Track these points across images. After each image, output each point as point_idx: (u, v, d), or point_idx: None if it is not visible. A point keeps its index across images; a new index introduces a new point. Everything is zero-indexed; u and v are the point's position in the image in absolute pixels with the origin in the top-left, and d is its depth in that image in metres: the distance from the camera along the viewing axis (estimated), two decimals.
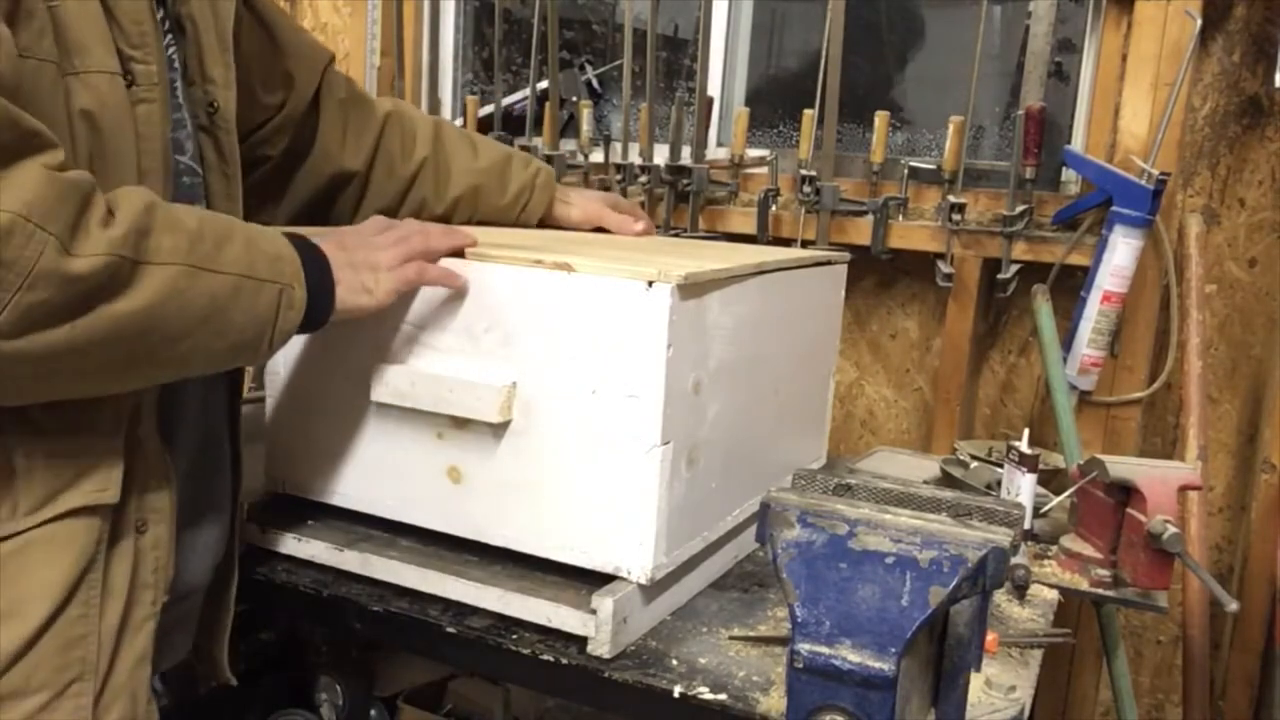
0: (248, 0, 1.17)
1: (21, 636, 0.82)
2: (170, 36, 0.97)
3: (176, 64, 0.97)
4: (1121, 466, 1.34)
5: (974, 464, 1.71)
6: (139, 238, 0.79)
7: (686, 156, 2.13)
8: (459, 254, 1.12)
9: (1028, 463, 1.44)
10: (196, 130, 1.00)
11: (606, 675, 1.06)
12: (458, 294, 1.13)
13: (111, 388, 0.86)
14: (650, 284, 1.03)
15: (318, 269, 0.97)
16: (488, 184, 1.42)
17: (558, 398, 1.09)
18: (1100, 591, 1.35)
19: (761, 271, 1.25)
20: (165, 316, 0.82)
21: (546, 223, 1.50)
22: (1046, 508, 1.50)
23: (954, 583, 0.81)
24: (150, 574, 0.92)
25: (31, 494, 0.84)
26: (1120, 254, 1.79)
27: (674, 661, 1.08)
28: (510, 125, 2.38)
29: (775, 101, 2.32)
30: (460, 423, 1.14)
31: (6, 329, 0.74)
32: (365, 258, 1.03)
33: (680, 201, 2.14)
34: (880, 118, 1.99)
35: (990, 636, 1.11)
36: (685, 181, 2.11)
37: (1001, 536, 0.83)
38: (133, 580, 0.90)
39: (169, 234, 0.82)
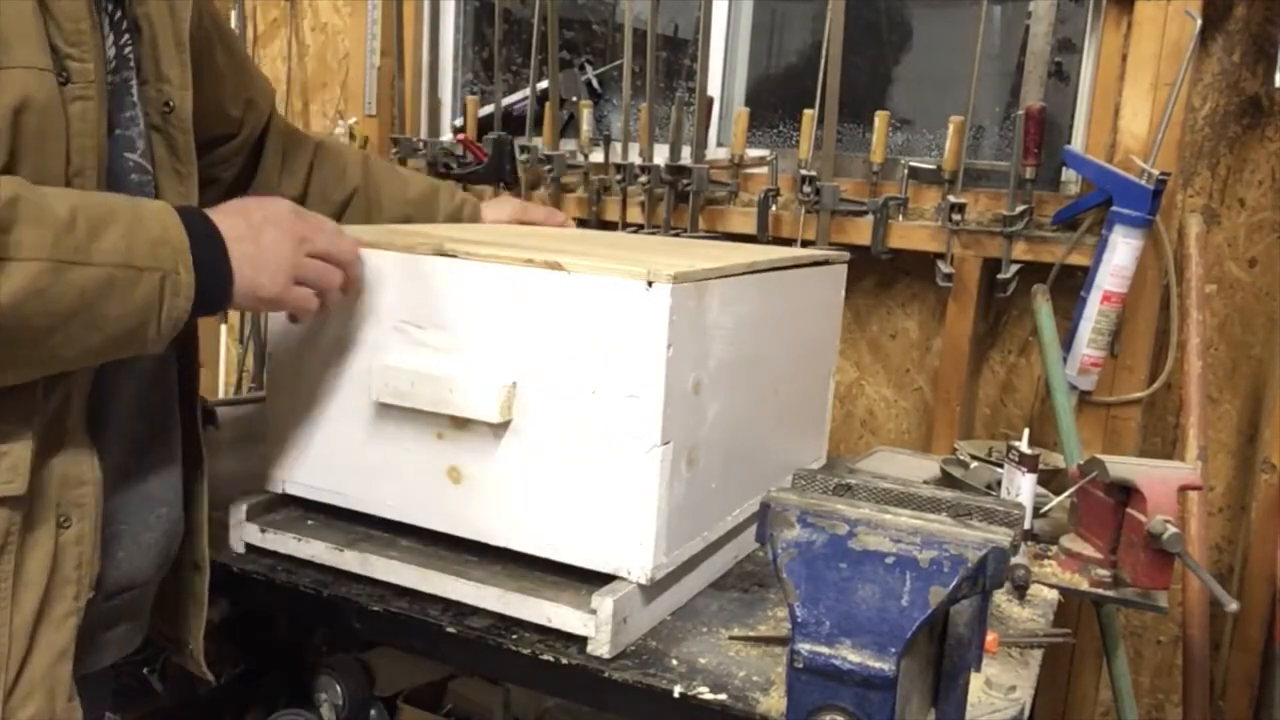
0: (215, 24, 1.20)
1: None
2: (127, 36, 0.97)
3: (132, 63, 0.97)
4: (1121, 466, 1.34)
5: (974, 464, 1.71)
6: (1, 233, 0.78)
7: (686, 156, 2.13)
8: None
9: (1028, 463, 1.44)
10: (149, 129, 0.99)
11: (606, 675, 1.06)
12: (457, 292, 1.13)
13: None
14: (650, 284, 1.03)
15: (211, 250, 0.92)
16: (417, 214, 1.48)
17: (558, 398, 1.09)
18: (1100, 591, 1.35)
19: (761, 271, 1.25)
20: (26, 314, 0.80)
21: None
22: (1046, 508, 1.50)
23: (954, 583, 0.80)
24: (72, 569, 0.90)
25: None
26: (1120, 254, 1.79)
27: (674, 661, 1.08)
28: (510, 125, 2.38)
29: (775, 101, 2.32)
30: (460, 423, 1.14)
31: None
32: (271, 263, 0.98)
33: (680, 201, 2.14)
34: (880, 118, 1.99)
35: (990, 636, 1.11)
36: (685, 181, 2.11)
37: (1001, 536, 0.83)
38: (51, 574, 0.88)
39: (33, 228, 0.79)
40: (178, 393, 1.08)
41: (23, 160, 0.84)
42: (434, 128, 2.46)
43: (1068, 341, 1.86)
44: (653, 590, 1.12)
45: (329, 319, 1.20)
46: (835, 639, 0.80)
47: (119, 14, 0.96)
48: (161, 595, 1.11)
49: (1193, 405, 1.81)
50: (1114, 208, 1.79)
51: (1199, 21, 1.74)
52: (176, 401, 1.08)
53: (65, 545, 0.90)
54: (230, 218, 0.96)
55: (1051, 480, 1.66)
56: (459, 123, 2.47)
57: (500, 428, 1.12)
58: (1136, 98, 1.81)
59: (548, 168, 2.26)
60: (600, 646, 1.06)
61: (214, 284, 0.93)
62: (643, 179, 2.15)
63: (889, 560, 0.82)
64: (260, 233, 0.97)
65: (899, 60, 2.28)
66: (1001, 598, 1.28)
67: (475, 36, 2.65)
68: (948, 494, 0.90)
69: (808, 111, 2.04)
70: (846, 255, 1.58)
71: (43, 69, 0.84)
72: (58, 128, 0.86)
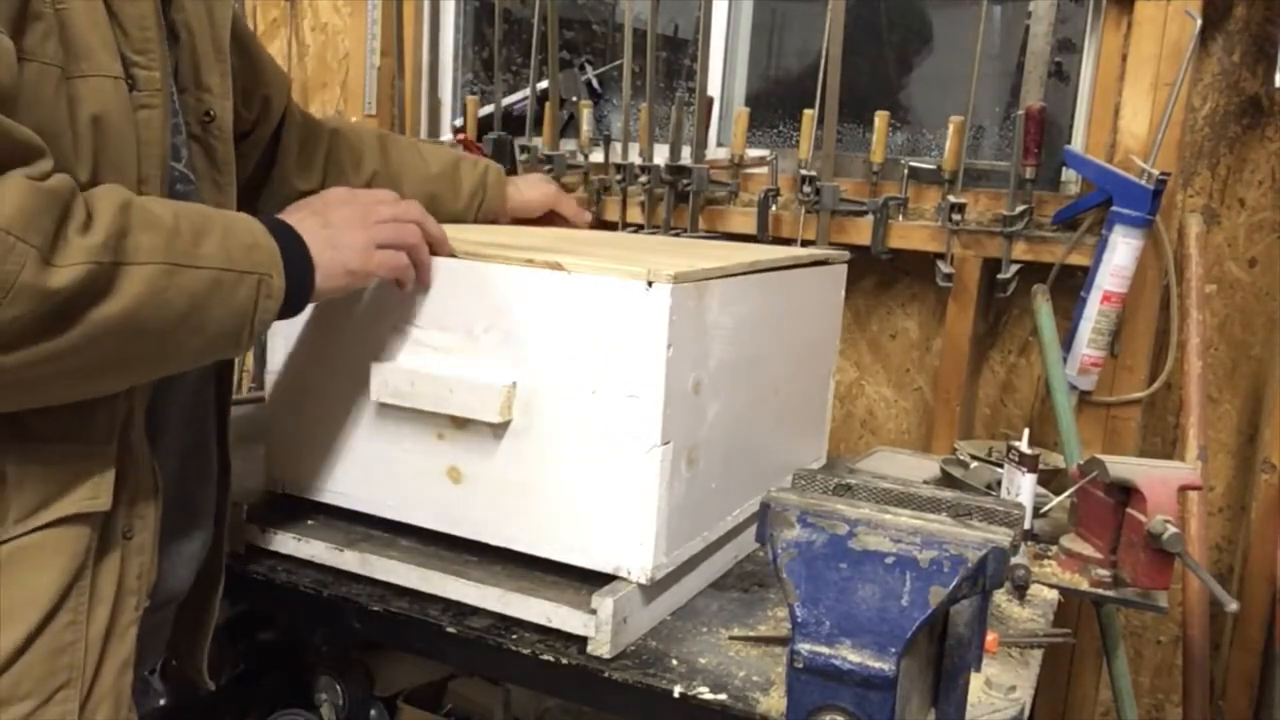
0: (238, 25, 1.18)
1: (12, 644, 0.82)
2: (165, 43, 0.96)
3: (172, 70, 0.96)
4: (1121, 466, 1.34)
5: (974, 464, 1.71)
6: (118, 239, 0.79)
7: (686, 156, 2.13)
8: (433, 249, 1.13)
9: (1028, 463, 1.44)
10: (189, 139, 0.99)
11: (606, 675, 1.06)
12: (456, 293, 1.13)
13: (95, 391, 0.85)
14: (650, 284, 1.03)
15: (297, 254, 0.95)
16: (441, 190, 1.44)
17: (558, 398, 1.09)
18: (1100, 591, 1.35)
19: (761, 271, 1.25)
20: (146, 317, 0.81)
21: (504, 217, 1.53)
22: (1046, 508, 1.50)
23: (954, 583, 0.80)
24: (135, 580, 0.92)
25: (23, 502, 0.83)
26: (1120, 254, 1.79)
27: (674, 661, 1.08)
28: (510, 125, 2.38)
29: (775, 101, 2.32)
30: (460, 423, 1.14)
31: (2, 343, 0.74)
32: (348, 239, 1.01)
33: (680, 201, 2.14)
34: (880, 118, 1.99)
35: (990, 636, 1.11)
36: (685, 181, 2.11)
37: (1001, 536, 0.83)
38: (119, 586, 0.90)
39: (147, 232, 0.81)
40: (214, 406, 1.09)
41: (104, 169, 0.84)
42: (434, 128, 2.46)
43: (1068, 341, 1.86)
44: (653, 590, 1.12)
45: (329, 319, 1.20)
46: (835, 639, 0.80)
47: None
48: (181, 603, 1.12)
49: (1193, 405, 1.81)
50: (1114, 208, 1.79)
51: (1199, 21, 1.74)
52: (214, 414, 1.09)
53: (129, 556, 0.91)
54: (297, 213, 1.00)
55: (1051, 480, 1.66)
56: (459, 123, 2.47)
57: (500, 428, 1.12)
58: (1136, 98, 1.81)
59: (548, 168, 2.26)
60: (600, 646, 1.06)
61: (299, 283, 0.95)
62: (643, 179, 2.15)
63: (889, 560, 0.82)
64: (329, 214, 1.01)
65: (903, 60, 2.28)
66: (1001, 598, 1.28)
67: (475, 36, 2.65)
68: (948, 494, 0.90)
69: (808, 111, 2.04)
70: (846, 255, 1.58)
71: (116, 77, 0.84)
72: (129, 136, 0.86)
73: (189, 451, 1.05)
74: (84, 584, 0.86)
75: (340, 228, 1.01)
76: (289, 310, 0.95)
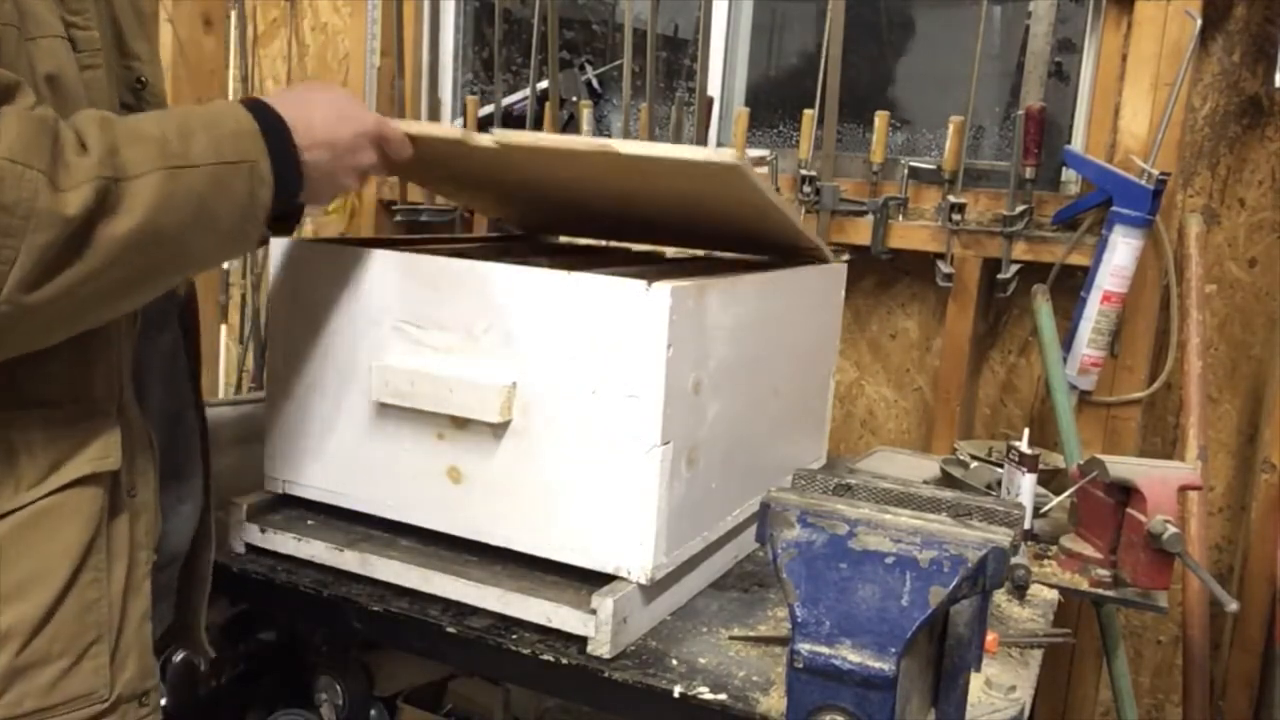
0: None
1: (42, 605, 0.84)
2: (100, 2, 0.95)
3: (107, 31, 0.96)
4: (1121, 466, 1.34)
5: (974, 464, 1.71)
6: (111, 156, 0.78)
7: None
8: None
9: (1028, 463, 1.44)
10: (123, 109, 0.95)
11: (606, 675, 1.06)
12: (457, 293, 1.13)
13: (127, 306, 0.87)
14: (650, 284, 1.03)
15: (280, 140, 0.94)
16: None
17: (558, 398, 1.09)
18: (1100, 591, 1.35)
19: (761, 271, 1.25)
20: (163, 224, 0.81)
21: None
22: (1046, 508, 1.50)
23: (954, 583, 0.80)
24: (144, 535, 0.93)
25: (34, 467, 0.84)
26: (1120, 254, 1.79)
27: (674, 661, 1.08)
28: (510, 125, 2.38)
29: (775, 101, 2.32)
30: (460, 423, 1.14)
31: (31, 279, 0.74)
32: (343, 180, 1.03)
33: None
34: (880, 118, 1.99)
35: (990, 636, 1.11)
36: None
37: (1001, 536, 0.83)
38: (131, 542, 0.91)
39: (136, 145, 0.81)
40: (187, 373, 1.10)
41: None
42: None
43: (1068, 341, 1.86)
44: (653, 590, 1.12)
45: (329, 319, 1.20)
46: (835, 639, 0.80)
47: None
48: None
49: (1193, 405, 1.81)
50: (1114, 208, 1.79)
51: (1199, 21, 1.74)
52: (187, 380, 1.09)
53: (136, 513, 0.92)
54: (300, 113, 0.98)
55: (1051, 480, 1.66)
56: (459, 123, 2.47)
57: (500, 428, 1.12)
58: (1136, 98, 1.81)
59: None
60: (600, 646, 1.06)
61: (286, 175, 0.94)
62: None
63: (889, 560, 0.82)
64: (335, 144, 1.01)
65: (899, 60, 2.28)
66: (1001, 598, 1.28)
67: (475, 36, 2.65)
68: (948, 494, 0.90)
69: (808, 111, 2.04)
70: (846, 255, 1.58)
71: (62, 37, 0.84)
72: (81, 97, 0.85)
73: (172, 416, 1.06)
74: (101, 541, 0.88)
75: (343, 153, 1.02)
76: (282, 200, 0.94)
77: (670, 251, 1.58)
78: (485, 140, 1.11)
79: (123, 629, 0.90)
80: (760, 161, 2.11)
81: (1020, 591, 1.29)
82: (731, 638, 1.14)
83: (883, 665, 0.78)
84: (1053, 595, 1.32)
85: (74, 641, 0.86)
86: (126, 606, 0.90)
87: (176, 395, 1.07)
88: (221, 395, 2.77)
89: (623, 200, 1.30)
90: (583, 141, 1.07)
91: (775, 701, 1.01)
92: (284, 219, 1.06)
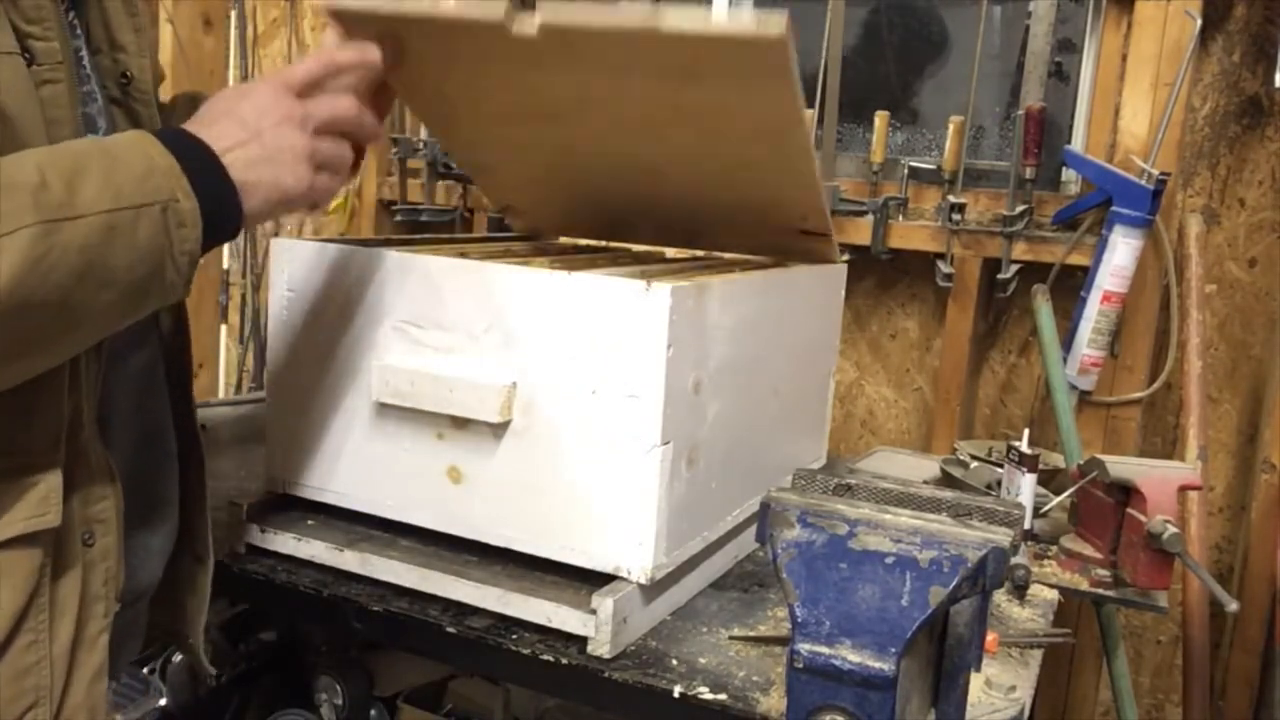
0: None
1: None
2: (69, 3, 0.87)
3: (79, 32, 0.88)
4: (1121, 466, 1.35)
5: (974, 464, 1.71)
6: None
7: None
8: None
9: (1028, 463, 1.44)
10: (108, 103, 0.91)
11: (606, 675, 1.06)
12: (457, 293, 1.13)
13: (17, 378, 0.77)
14: (650, 284, 1.03)
15: (206, 167, 0.82)
16: None
17: (558, 398, 1.09)
18: (1100, 591, 1.35)
19: (761, 270, 1.25)
20: (30, 289, 0.70)
21: None
22: (1046, 508, 1.50)
23: (954, 583, 0.81)
24: (101, 586, 0.86)
25: None
26: (1120, 254, 1.79)
27: (674, 661, 1.08)
28: None
29: None
30: (460, 423, 1.14)
31: None
32: (283, 153, 0.87)
33: None
34: (880, 118, 1.99)
35: (990, 636, 1.11)
36: None
37: (1001, 536, 0.83)
38: (83, 595, 0.85)
39: (3, 197, 0.70)
40: (166, 386, 1.03)
41: (10, 153, 0.74)
42: None
43: (1068, 341, 1.86)
44: (653, 590, 1.12)
45: (329, 319, 1.20)
46: (835, 639, 0.80)
47: None
48: (159, 590, 1.08)
49: (1193, 405, 1.81)
50: (1114, 208, 1.79)
51: (1199, 21, 1.74)
52: (169, 395, 1.03)
53: (92, 563, 0.86)
54: (216, 125, 0.85)
55: (1051, 480, 1.66)
56: None
57: (500, 428, 1.12)
58: (1136, 98, 1.81)
59: None
60: (600, 646, 1.06)
61: (220, 204, 0.83)
62: None
63: (889, 560, 0.82)
64: (260, 131, 0.86)
65: (903, 60, 2.28)
66: (1001, 598, 1.28)
67: None
68: (948, 494, 0.90)
69: (808, 111, 2.04)
70: (846, 255, 1.58)
71: (10, 52, 0.76)
72: (34, 115, 0.77)
73: (142, 440, 0.98)
74: (42, 601, 0.81)
75: (274, 145, 0.87)
76: (219, 233, 0.83)
77: (670, 252, 1.58)
78: (526, 25, 1.02)
79: (68, 690, 0.83)
80: None
81: (1020, 591, 1.29)
82: (731, 638, 1.14)
83: (883, 665, 0.78)
84: (1053, 595, 1.32)
85: (9, 708, 0.79)
86: (74, 665, 0.84)
87: (150, 415, 1.00)
88: (221, 395, 2.77)
89: (645, 124, 1.23)
90: (628, 9, 1.03)
91: (775, 701, 1.01)
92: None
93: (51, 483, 0.81)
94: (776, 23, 0.99)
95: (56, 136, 0.79)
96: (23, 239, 0.70)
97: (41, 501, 0.80)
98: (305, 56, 0.98)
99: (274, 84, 0.90)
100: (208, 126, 0.85)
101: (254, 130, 0.86)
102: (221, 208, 0.83)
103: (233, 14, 2.67)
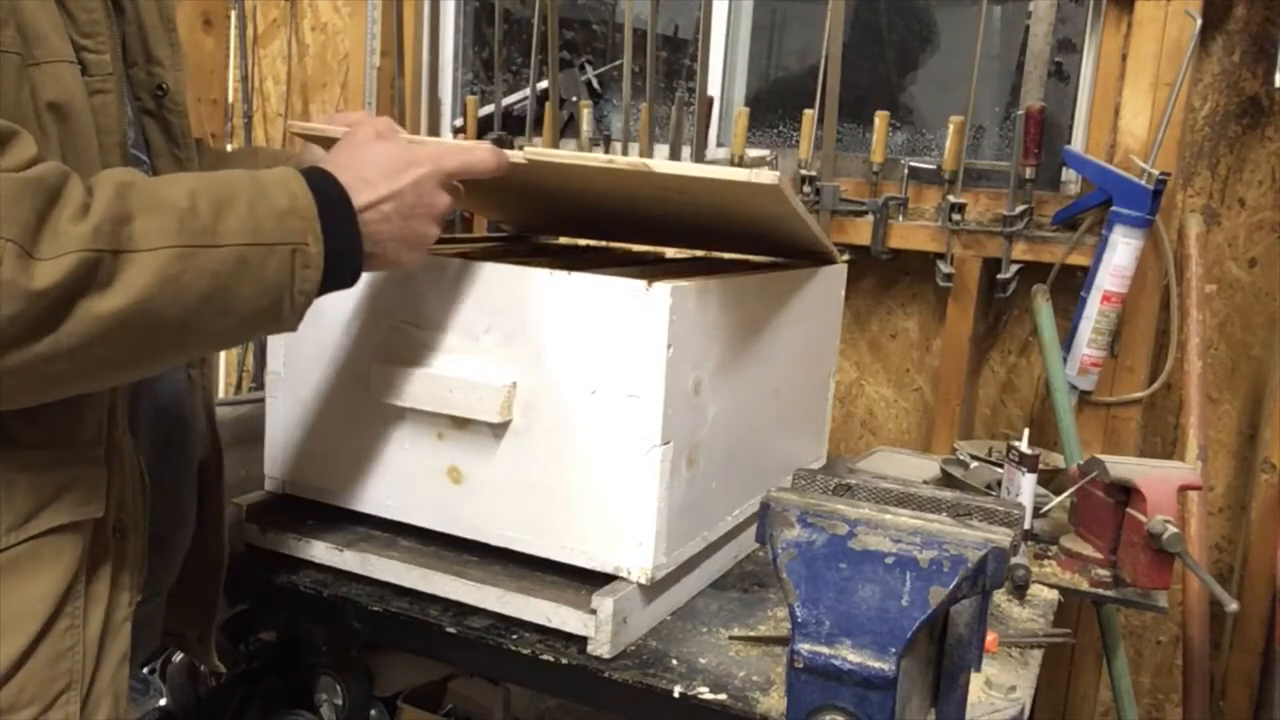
0: None
1: (12, 654, 0.81)
2: (113, 22, 0.90)
3: (119, 49, 0.91)
4: (1121, 466, 1.35)
5: (974, 464, 1.71)
6: (117, 226, 0.73)
7: (686, 156, 2.13)
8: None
9: (1028, 463, 1.44)
10: (140, 114, 0.94)
11: (606, 675, 1.06)
12: (457, 293, 1.13)
13: (117, 380, 0.83)
14: (650, 284, 1.03)
15: (341, 216, 0.88)
16: None
17: (558, 398, 1.09)
18: (1100, 591, 1.35)
19: (761, 271, 1.25)
20: (160, 307, 0.75)
21: None
22: (1046, 508, 1.50)
23: (954, 583, 0.81)
24: (128, 577, 0.90)
25: (13, 511, 0.80)
26: (1120, 254, 1.79)
27: (674, 661, 1.08)
28: (510, 125, 2.38)
29: (775, 101, 2.32)
30: (460, 423, 1.14)
31: None
32: (421, 221, 0.95)
33: None
34: (880, 118, 1.99)
35: (990, 636, 1.11)
36: None
37: (1001, 536, 0.83)
38: (113, 585, 0.88)
39: (153, 215, 0.75)
40: (189, 388, 1.07)
41: (68, 160, 0.78)
42: (434, 128, 2.46)
43: (1068, 341, 1.86)
44: (653, 590, 1.12)
45: (329, 319, 1.20)
46: (835, 639, 0.80)
47: None
48: (174, 588, 1.10)
49: (1193, 405, 1.81)
50: (1114, 208, 1.79)
51: (1199, 21, 1.74)
52: (190, 398, 1.07)
53: (122, 555, 0.89)
54: (365, 180, 0.91)
55: (1051, 480, 1.66)
56: (459, 123, 2.47)
57: (500, 428, 1.12)
58: (1136, 98, 1.81)
59: None
60: (600, 646, 1.06)
61: (343, 256, 0.88)
62: None
63: (889, 560, 0.82)
64: (404, 212, 0.93)
65: (903, 60, 2.28)
66: (1001, 598, 1.28)
67: (475, 36, 2.65)
68: (948, 494, 0.90)
69: (808, 111, 2.04)
70: (846, 255, 1.58)
71: (71, 62, 0.80)
72: (89, 123, 0.81)
73: (165, 441, 1.02)
74: (79, 588, 0.84)
75: (411, 215, 0.94)
76: (337, 280, 0.88)
77: (670, 252, 1.58)
78: (516, 156, 1.07)
79: (97, 675, 0.87)
80: (760, 161, 2.11)
81: (1020, 591, 1.29)
82: (731, 638, 1.14)
83: (883, 665, 0.78)
84: (1053, 595, 1.32)
85: (44, 689, 0.82)
86: (103, 651, 0.87)
87: (174, 418, 1.04)
88: (222, 395, 2.77)
89: (640, 207, 1.29)
90: (621, 160, 1.05)
91: (775, 701, 1.01)
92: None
93: (98, 475, 0.85)
94: (770, 174, 1.02)
95: (106, 144, 0.84)
96: (162, 258, 0.75)
97: (88, 493, 0.84)
98: (467, 145, 1.02)
99: (433, 170, 0.96)
100: (356, 175, 0.90)
101: (396, 205, 0.92)
102: (344, 261, 0.88)
103: (233, 14, 2.67)
